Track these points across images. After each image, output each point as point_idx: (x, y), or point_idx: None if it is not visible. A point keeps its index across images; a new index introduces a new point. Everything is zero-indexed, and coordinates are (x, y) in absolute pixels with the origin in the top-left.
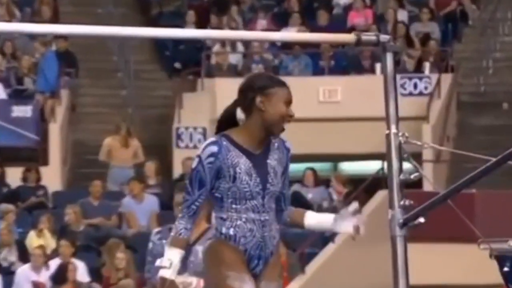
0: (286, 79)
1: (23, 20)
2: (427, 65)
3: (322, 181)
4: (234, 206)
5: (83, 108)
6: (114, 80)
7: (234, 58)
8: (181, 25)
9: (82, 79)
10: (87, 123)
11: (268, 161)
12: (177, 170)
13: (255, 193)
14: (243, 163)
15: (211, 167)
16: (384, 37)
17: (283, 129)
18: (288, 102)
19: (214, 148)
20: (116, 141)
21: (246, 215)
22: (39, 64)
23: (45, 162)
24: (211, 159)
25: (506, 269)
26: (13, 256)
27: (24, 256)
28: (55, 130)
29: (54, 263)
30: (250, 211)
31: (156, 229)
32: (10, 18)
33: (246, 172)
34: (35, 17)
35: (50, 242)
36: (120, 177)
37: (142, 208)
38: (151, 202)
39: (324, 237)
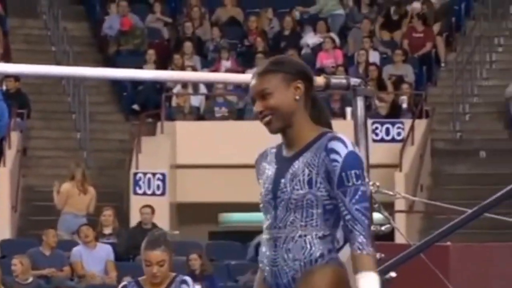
0: (252, 124)
1: None
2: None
3: None
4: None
5: (35, 151)
6: (69, 122)
7: (196, 100)
8: (140, 64)
9: (34, 121)
10: (39, 167)
11: (294, 163)
12: (134, 218)
13: (267, 203)
14: (268, 170)
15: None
16: (354, 81)
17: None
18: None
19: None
20: (74, 188)
21: (264, 234)
22: None
23: None
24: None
25: None
26: None
27: None
28: (4, 175)
29: None
30: (267, 228)
31: (123, 283)
32: None
33: (266, 180)
34: None
35: None
36: (72, 225)
37: (94, 256)
38: (104, 251)
39: None
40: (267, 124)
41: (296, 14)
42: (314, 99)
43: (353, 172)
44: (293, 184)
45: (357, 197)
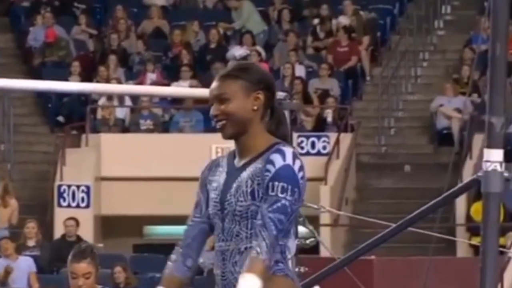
0: (177, 137)
1: None
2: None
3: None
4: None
5: None
6: None
7: (121, 113)
8: (65, 76)
9: None
10: None
11: (241, 174)
12: (58, 231)
13: (215, 215)
14: (219, 179)
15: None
16: (280, 94)
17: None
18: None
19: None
20: None
21: (215, 247)
22: None
23: None
24: None
25: None
26: None
27: None
28: None
29: None
30: (216, 241)
31: None
32: None
33: (214, 191)
34: None
35: None
36: None
37: (16, 269)
38: (26, 263)
39: None
40: (221, 129)
41: (220, 30)
42: (274, 110)
43: (280, 184)
44: (237, 196)
45: (275, 207)
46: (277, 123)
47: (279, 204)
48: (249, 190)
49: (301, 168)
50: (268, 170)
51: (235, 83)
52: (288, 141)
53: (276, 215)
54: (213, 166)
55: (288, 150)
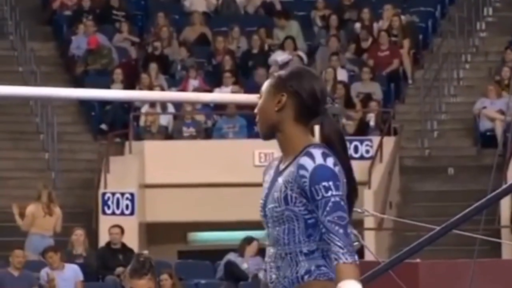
0: (220, 142)
1: None
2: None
3: (258, 250)
4: None
5: (2, 172)
6: (36, 143)
7: (164, 120)
8: (108, 84)
9: (1, 142)
10: (7, 188)
11: (278, 178)
12: (103, 238)
13: (263, 220)
14: (266, 184)
15: None
16: None
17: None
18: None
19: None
20: (40, 209)
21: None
22: None
23: None
24: None
25: None
26: None
27: None
28: None
29: None
30: (267, 245)
31: None
32: None
33: (262, 195)
34: None
35: None
36: (40, 246)
37: (63, 278)
38: (73, 272)
39: None
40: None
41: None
42: (323, 113)
43: (321, 185)
44: (273, 201)
45: (328, 208)
46: (323, 126)
47: (330, 204)
48: (282, 196)
49: (336, 163)
50: (303, 176)
51: (270, 81)
52: (332, 140)
53: (333, 215)
54: (267, 169)
55: (317, 151)
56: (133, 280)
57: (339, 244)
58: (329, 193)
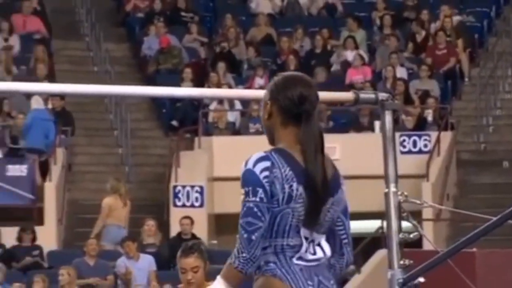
0: None
1: (19, 78)
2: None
3: None
4: None
5: (79, 167)
6: (111, 139)
7: (232, 116)
8: (178, 82)
9: (78, 138)
10: (83, 182)
11: None
12: (174, 229)
13: None
14: None
15: None
16: (383, 95)
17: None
18: None
19: None
20: (117, 201)
21: None
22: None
23: (41, 222)
24: None
25: None
26: None
27: None
28: (51, 189)
29: None
30: None
31: None
32: (7, 75)
33: None
34: (31, 75)
35: None
36: (116, 236)
37: (138, 267)
38: (147, 261)
39: None
40: None
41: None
42: (303, 117)
43: (243, 190)
44: None
45: (242, 212)
46: (304, 130)
47: (244, 208)
48: None
49: (266, 168)
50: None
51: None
52: (304, 143)
53: (244, 220)
54: None
55: (257, 155)
56: (181, 259)
57: (237, 246)
58: (247, 198)
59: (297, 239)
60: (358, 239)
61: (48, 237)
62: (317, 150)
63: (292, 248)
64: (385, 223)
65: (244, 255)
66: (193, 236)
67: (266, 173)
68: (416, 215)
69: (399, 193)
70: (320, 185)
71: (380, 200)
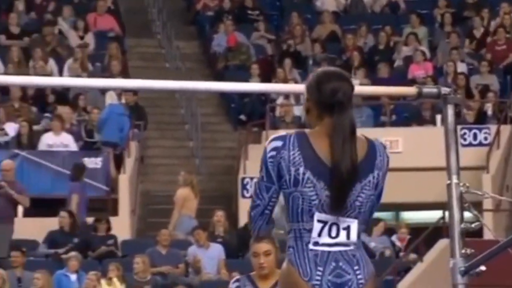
0: None
1: (94, 74)
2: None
3: (384, 230)
4: None
5: (151, 159)
6: (182, 132)
7: (298, 110)
8: (246, 78)
9: (150, 132)
10: (155, 174)
11: None
12: (243, 220)
13: None
14: None
15: None
16: (445, 89)
17: None
18: None
19: None
20: (190, 193)
21: None
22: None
23: (115, 212)
24: None
25: None
26: None
27: None
28: (124, 181)
29: None
30: None
31: (235, 278)
32: (83, 72)
33: None
34: (105, 72)
35: None
36: (188, 227)
37: (208, 256)
38: (217, 250)
39: (388, 284)
40: None
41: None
42: (336, 109)
43: None
44: None
45: None
46: (335, 120)
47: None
48: None
49: (275, 148)
50: None
51: None
52: (334, 131)
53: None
54: None
55: (276, 134)
56: (253, 245)
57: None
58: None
59: (311, 223)
60: (420, 228)
61: (122, 227)
62: (345, 139)
63: (308, 231)
64: (446, 214)
65: (250, 229)
66: None
67: (273, 153)
68: (477, 206)
69: (460, 184)
70: (345, 172)
71: (442, 191)
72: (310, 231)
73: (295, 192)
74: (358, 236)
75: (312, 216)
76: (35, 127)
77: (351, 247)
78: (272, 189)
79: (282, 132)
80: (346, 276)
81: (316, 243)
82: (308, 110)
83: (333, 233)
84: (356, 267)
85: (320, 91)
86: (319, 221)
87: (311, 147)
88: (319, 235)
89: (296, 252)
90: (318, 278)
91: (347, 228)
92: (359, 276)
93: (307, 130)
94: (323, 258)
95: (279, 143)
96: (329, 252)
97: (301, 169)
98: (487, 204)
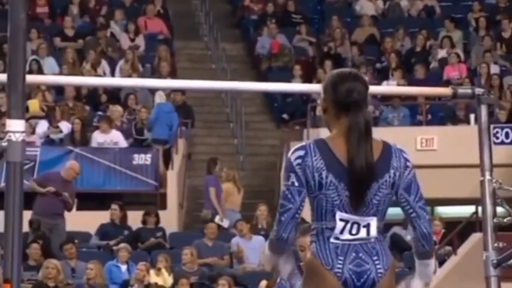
0: (386, 130)
1: (144, 75)
2: None
3: None
4: None
5: (198, 156)
6: (227, 130)
7: None
8: (288, 79)
9: (197, 129)
10: (202, 170)
11: None
12: None
13: None
14: None
15: None
16: (479, 90)
17: None
18: None
19: None
20: (233, 188)
21: None
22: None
23: (163, 206)
24: None
25: None
26: None
27: None
28: (172, 177)
29: None
30: None
31: None
32: (134, 73)
33: None
34: (154, 73)
35: (167, 280)
36: (231, 220)
37: (251, 247)
38: (259, 242)
39: None
40: None
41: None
42: (351, 108)
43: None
44: None
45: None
46: (350, 119)
47: (281, 192)
48: None
49: (300, 157)
50: None
51: None
52: (350, 132)
53: (279, 202)
54: None
55: (296, 146)
56: (299, 238)
57: (273, 229)
58: (284, 183)
59: (334, 222)
60: (454, 223)
61: (170, 220)
62: (360, 138)
63: (330, 230)
64: (479, 209)
65: (274, 233)
66: (302, 220)
67: (299, 161)
68: (509, 202)
69: (493, 180)
70: (361, 171)
71: (475, 188)
72: (332, 229)
73: (320, 195)
74: (379, 232)
75: (334, 216)
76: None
77: (371, 240)
78: (303, 193)
79: (322, 131)
80: (366, 266)
81: (337, 238)
82: (325, 110)
83: (354, 231)
84: (375, 258)
85: (336, 92)
86: (341, 220)
87: (330, 151)
88: (341, 232)
89: (318, 245)
90: (340, 266)
91: (367, 226)
92: (378, 266)
93: (325, 137)
94: (344, 249)
95: (302, 152)
96: (349, 244)
97: (324, 173)
98: None
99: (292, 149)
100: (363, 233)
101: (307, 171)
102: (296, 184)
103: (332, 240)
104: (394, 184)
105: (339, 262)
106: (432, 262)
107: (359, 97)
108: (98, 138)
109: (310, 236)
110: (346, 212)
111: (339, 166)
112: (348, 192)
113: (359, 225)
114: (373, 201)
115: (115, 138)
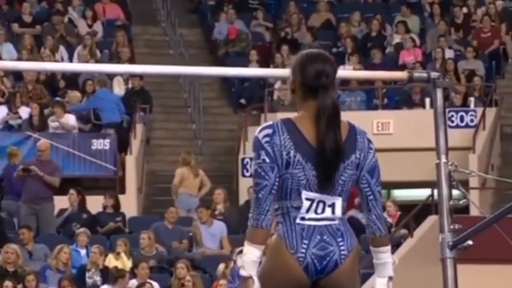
0: (343, 114)
1: (102, 61)
2: (472, 100)
3: None
4: None
5: (156, 141)
6: (185, 115)
7: None
8: (245, 64)
9: (155, 114)
10: (160, 154)
11: None
12: (243, 197)
13: None
14: None
15: None
16: (434, 74)
17: None
18: None
19: None
20: (189, 172)
21: None
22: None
23: (122, 191)
24: None
25: None
26: (97, 277)
27: (105, 276)
28: (131, 161)
29: (132, 284)
30: None
31: (239, 249)
32: (92, 58)
33: None
34: (113, 59)
35: (126, 264)
36: (188, 204)
37: (210, 232)
38: (219, 227)
39: None
40: None
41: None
42: (320, 91)
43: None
44: None
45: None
46: (317, 101)
47: (252, 171)
48: None
49: (267, 135)
50: None
51: None
52: (319, 113)
53: (253, 181)
54: None
55: (263, 125)
56: None
57: (251, 208)
58: (254, 161)
59: (299, 201)
60: (410, 205)
61: (129, 205)
62: (329, 121)
63: (296, 209)
64: (435, 191)
65: (255, 212)
66: None
67: (267, 139)
68: (464, 184)
69: (449, 163)
70: (329, 151)
71: (431, 170)
72: (297, 208)
73: (286, 174)
74: (343, 212)
75: (299, 195)
76: (46, 111)
77: (336, 222)
78: (276, 169)
79: (279, 115)
80: (329, 248)
81: (303, 218)
82: (293, 91)
83: (319, 210)
84: (339, 239)
85: (304, 74)
86: (307, 199)
87: (298, 131)
88: (307, 211)
89: (284, 227)
90: (303, 251)
91: (332, 205)
92: (342, 248)
93: (292, 117)
94: (309, 231)
95: (269, 131)
96: (315, 226)
97: (292, 152)
98: (474, 182)
99: (259, 128)
100: (328, 212)
101: (275, 149)
102: (268, 160)
103: (298, 221)
104: (359, 165)
105: (303, 246)
106: (389, 251)
107: (327, 80)
108: (53, 123)
109: (275, 217)
110: (311, 191)
111: (307, 146)
112: (315, 172)
113: (324, 204)
114: (339, 182)
115: (70, 121)
